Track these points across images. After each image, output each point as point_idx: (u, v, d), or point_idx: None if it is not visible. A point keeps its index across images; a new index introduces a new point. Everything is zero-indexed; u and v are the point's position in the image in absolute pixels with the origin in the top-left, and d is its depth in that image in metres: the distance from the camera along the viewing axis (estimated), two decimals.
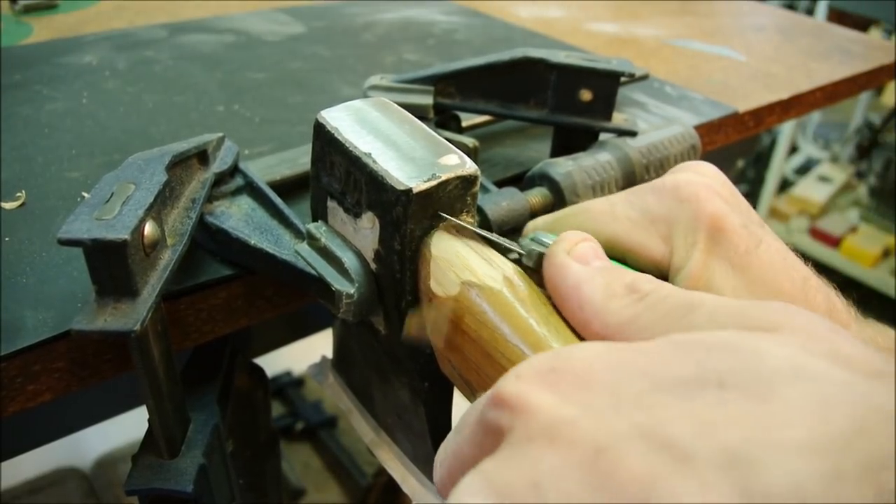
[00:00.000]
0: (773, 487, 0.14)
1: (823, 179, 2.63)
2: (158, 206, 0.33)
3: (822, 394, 0.16)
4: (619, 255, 0.35)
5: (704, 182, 0.34)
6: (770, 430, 0.15)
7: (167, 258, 0.34)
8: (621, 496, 0.16)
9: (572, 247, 0.28)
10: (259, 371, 0.60)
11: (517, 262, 0.31)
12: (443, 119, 0.52)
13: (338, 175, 0.34)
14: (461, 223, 0.32)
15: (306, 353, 0.65)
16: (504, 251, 0.32)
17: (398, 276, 0.32)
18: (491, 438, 0.21)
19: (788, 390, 0.16)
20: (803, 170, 2.75)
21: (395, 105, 0.36)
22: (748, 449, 0.15)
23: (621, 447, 0.16)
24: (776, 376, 0.17)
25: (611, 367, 0.19)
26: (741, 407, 0.16)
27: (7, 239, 0.42)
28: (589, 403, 0.18)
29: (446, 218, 0.32)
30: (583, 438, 0.17)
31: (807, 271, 0.33)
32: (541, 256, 0.29)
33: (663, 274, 0.34)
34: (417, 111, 0.44)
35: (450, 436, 0.24)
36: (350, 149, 0.32)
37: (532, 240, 0.31)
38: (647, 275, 0.26)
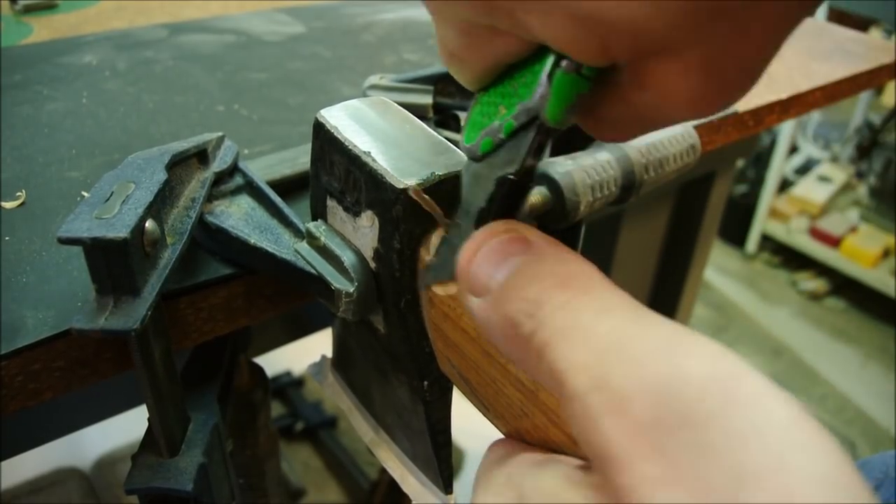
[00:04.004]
0: None
1: (823, 179, 2.63)
2: (158, 205, 0.33)
3: None
4: None
5: None
6: None
7: (167, 257, 0.34)
8: None
9: (466, 268, 0.24)
10: (259, 371, 0.60)
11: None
12: (443, 119, 0.52)
13: (337, 174, 0.34)
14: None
15: (306, 353, 0.65)
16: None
17: (397, 274, 0.32)
18: None
19: None
20: (803, 170, 2.75)
21: (395, 104, 0.36)
22: None
23: None
24: None
25: None
26: None
27: (7, 239, 0.42)
28: None
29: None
30: None
31: None
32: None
33: None
34: (417, 111, 0.44)
35: None
36: (349, 148, 0.32)
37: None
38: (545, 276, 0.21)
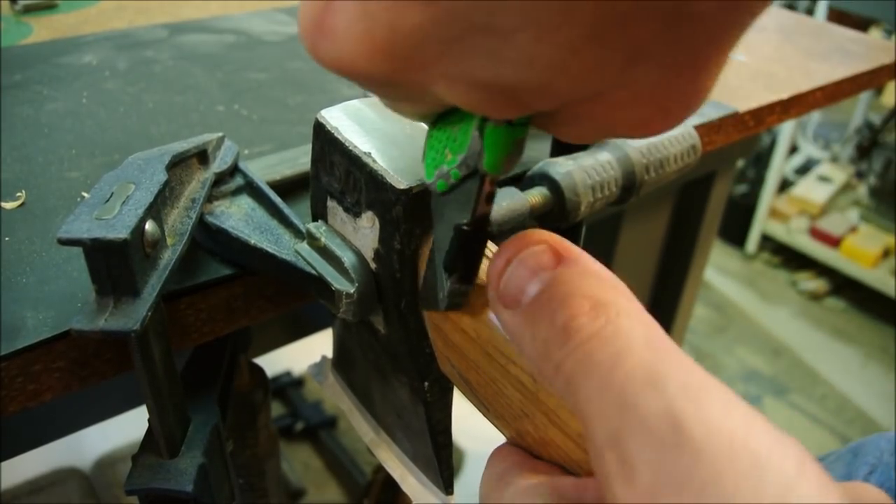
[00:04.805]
0: None
1: (823, 179, 2.63)
2: (158, 206, 0.33)
3: None
4: None
5: None
6: None
7: (167, 258, 0.34)
8: None
9: (497, 279, 0.24)
10: (259, 371, 0.60)
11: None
12: None
13: (337, 174, 0.34)
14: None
15: (306, 353, 0.65)
16: None
17: (398, 275, 0.32)
18: None
19: None
20: (803, 170, 2.75)
21: None
22: None
23: None
24: None
25: None
26: None
27: (7, 239, 0.42)
28: None
29: None
30: None
31: None
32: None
33: None
34: None
35: None
36: (350, 148, 0.32)
37: None
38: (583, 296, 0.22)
